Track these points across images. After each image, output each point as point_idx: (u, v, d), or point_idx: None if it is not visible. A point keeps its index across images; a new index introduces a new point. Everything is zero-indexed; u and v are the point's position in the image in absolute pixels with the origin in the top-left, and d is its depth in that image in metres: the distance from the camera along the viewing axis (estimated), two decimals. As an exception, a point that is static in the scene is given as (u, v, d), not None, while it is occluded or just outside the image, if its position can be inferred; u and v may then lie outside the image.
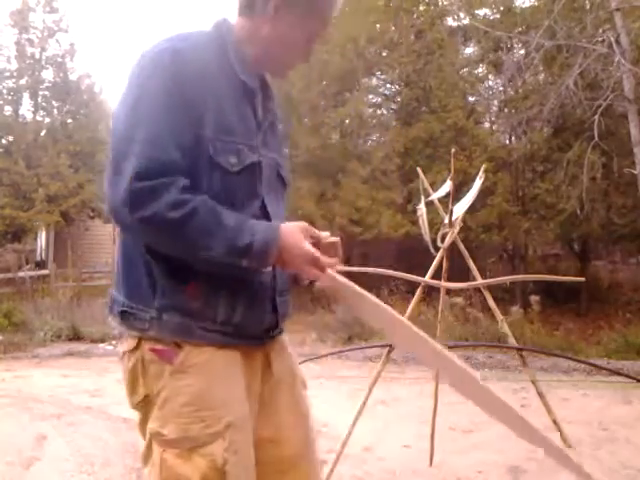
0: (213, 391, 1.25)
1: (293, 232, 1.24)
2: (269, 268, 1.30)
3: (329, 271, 1.28)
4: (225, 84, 1.29)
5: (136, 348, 1.28)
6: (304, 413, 1.46)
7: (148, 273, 1.26)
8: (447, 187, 3.43)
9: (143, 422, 1.31)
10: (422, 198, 3.57)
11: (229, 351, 1.30)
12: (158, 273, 1.25)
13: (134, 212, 1.15)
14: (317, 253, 1.24)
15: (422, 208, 3.50)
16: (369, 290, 1.35)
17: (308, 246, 1.24)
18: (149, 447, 1.27)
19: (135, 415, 1.35)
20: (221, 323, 1.28)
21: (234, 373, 1.30)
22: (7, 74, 15.52)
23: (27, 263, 13.96)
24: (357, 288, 1.33)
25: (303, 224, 1.28)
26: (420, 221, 3.45)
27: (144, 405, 1.29)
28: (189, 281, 1.25)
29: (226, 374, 1.28)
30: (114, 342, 10.18)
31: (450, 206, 3.37)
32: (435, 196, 3.43)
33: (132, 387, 1.30)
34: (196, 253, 1.20)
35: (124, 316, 1.30)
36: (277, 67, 1.41)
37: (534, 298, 10.15)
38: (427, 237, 3.33)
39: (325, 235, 1.33)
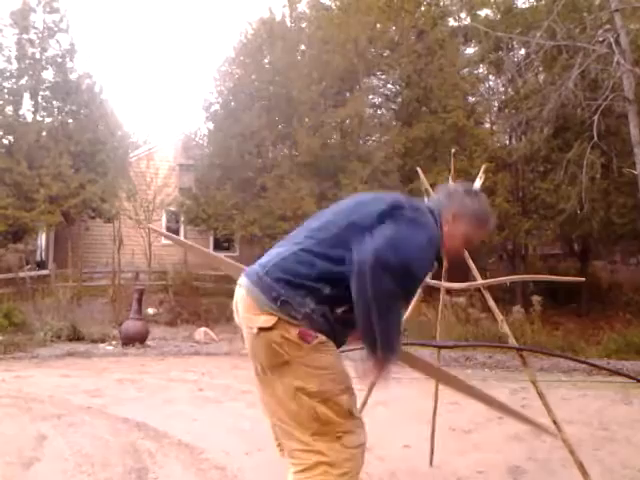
0: (337, 363, 1.93)
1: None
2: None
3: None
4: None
5: (273, 327, 1.84)
6: None
7: (312, 290, 1.85)
8: None
9: (281, 375, 1.90)
10: (425, 199, 3.59)
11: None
12: (318, 295, 1.86)
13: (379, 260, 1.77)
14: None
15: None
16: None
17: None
18: (294, 397, 1.87)
19: (272, 373, 1.92)
20: (334, 338, 1.93)
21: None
22: (7, 74, 15.51)
23: (28, 263, 13.96)
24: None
25: None
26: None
27: (282, 365, 1.87)
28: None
29: (339, 355, 1.97)
30: (114, 342, 10.20)
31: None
32: None
33: (272, 353, 1.87)
34: (380, 321, 1.81)
35: (284, 304, 1.85)
36: (446, 251, 2.15)
37: (536, 298, 10.15)
38: None
39: None
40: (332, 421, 1.87)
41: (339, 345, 1.97)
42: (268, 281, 1.89)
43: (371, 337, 1.85)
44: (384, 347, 1.86)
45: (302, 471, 1.86)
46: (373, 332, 1.83)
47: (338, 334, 1.94)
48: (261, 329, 1.87)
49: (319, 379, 1.87)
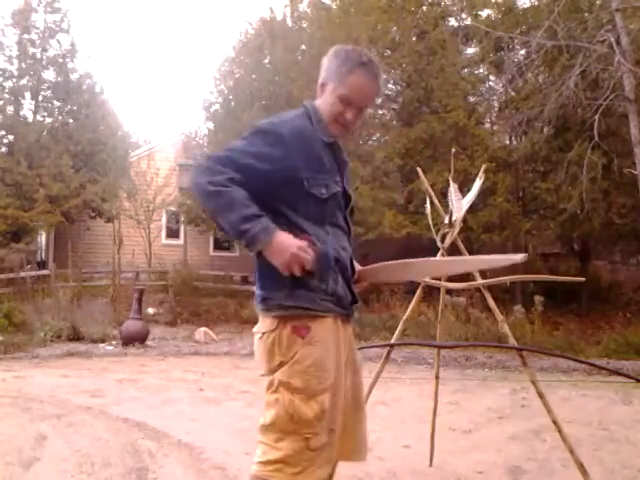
0: (326, 360, 1.88)
1: (287, 237, 1.78)
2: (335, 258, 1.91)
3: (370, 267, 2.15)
4: (315, 142, 1.94)
5: (275, 328, 1.86)
6: (360, 374, 2.16)
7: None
8: (467, 195, 3.46)
9: (271, 380, 1.89)
10: (427, 199, 3.60)
11: (334, 324, 1.93)
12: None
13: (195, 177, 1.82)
14: (297, 249, 1.76)
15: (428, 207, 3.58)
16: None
17: (294, 242, 1.76)
18: (275, 390, 1.86)
19: (267, 377, 1.90)
20: (330, 294, 1.90)
21: (336, 343, 1.93)
22: (8, 74, 15.52)
23: (28, 263, 13.96)
24: (388, 263, 2.16)
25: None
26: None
27: (277, 368, 1.86)
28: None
29: (333, 346, 1.91)
30: (114, 342, 10.20)
31: (450, 206, 3.37)
32: (459, 210, 3.40)
33: (270, 356, 1.88)
34: (215, 218, 1.81)
35: (265, 301, 1.89)
36: (334, 127, 1.99)
37: (538, 298, 10.14)
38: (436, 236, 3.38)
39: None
40: (306, 421, 1.83)
41: (330, 287, 1.92)
42: (257, 292, 1.97)
43: (229, 231, 1.82)
44: (236, 233, 1.78)
45: (260, 462, 1.86)
46: (226, 227, 1.80)
47: (338, 286, 1.94)
48: (263, 333, 1.90)
49: (304, 375, 1.84)
